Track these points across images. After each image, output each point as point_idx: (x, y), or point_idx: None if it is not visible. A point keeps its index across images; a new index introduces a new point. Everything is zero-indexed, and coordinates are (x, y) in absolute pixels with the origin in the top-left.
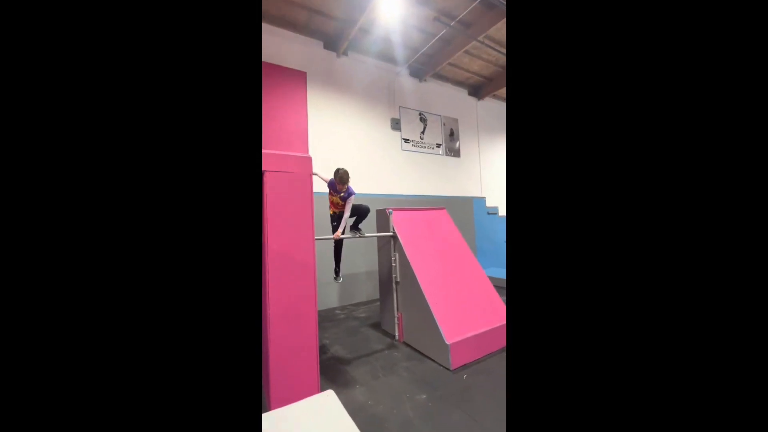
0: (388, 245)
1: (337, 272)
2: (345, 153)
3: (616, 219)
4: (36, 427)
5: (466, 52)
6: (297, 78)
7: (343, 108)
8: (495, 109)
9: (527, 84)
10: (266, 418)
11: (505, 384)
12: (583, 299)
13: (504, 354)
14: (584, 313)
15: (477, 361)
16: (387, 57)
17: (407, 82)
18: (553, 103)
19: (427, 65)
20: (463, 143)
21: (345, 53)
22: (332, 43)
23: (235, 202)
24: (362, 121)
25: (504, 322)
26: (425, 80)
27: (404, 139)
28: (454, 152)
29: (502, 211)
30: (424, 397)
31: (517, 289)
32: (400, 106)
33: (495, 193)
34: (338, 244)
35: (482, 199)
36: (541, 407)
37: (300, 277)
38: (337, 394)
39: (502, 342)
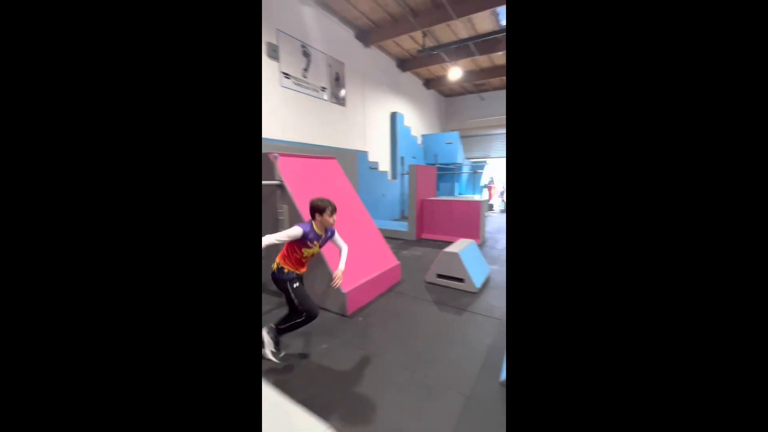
0: (273, 196)
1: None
2: None
3: (616, 218)
4: (36, 427)
5: None
6: None
7: None
8: (381, 63)
9: (527, 82)
10: None
11: (414, 327)
12: (583, 298)
13: (391, 293)
14: (584, 312)
15: (369, 303)
16: None
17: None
18: (552, 100)
19: None
20: (349, 92)
21: None
22: None
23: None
24: None
25: (391, 265)
26: (310, 5)
27: (284, 73)
28: (340, 100)
29: (382, 167)
30: (325, 346)
31: (518, 287)
32: (277, 29)
33: (376, 149)
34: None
35: (365, 153)
36: (540, 406)
37: None
38: None
39: (389, 282)
